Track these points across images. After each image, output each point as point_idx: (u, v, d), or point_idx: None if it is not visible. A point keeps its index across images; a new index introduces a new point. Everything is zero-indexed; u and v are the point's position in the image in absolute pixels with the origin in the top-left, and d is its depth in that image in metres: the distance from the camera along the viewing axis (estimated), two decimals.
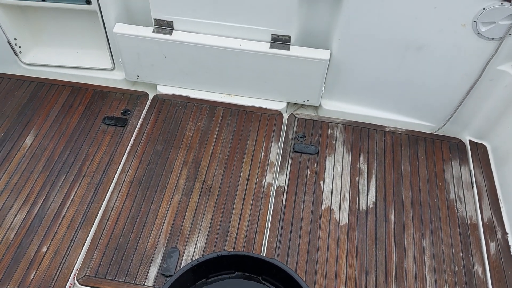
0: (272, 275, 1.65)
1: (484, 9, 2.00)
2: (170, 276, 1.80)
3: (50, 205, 2.15)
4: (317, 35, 2.43)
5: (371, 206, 2.21)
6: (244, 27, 2.37)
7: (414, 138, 2.51)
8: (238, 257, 1.60)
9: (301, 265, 2.00)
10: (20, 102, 2.60)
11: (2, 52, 2.68)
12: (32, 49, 2.81)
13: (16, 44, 2.68)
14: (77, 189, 2.21)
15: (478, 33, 2.09)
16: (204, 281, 1.68)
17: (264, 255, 2.03)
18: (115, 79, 2.73)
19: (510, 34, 2.06)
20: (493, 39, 2.09)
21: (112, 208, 2.15)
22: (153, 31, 2.43)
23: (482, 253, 2.08)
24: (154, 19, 2.42)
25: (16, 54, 2.70)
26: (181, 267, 1.89)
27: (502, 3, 1.97)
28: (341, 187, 2.28)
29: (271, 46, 2.39)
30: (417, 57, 2.27)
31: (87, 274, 1.93)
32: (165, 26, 2.44)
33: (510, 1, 1.96)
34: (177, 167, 2.32)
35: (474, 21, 2.05)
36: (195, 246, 2.03)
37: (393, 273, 1.99)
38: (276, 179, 2.30)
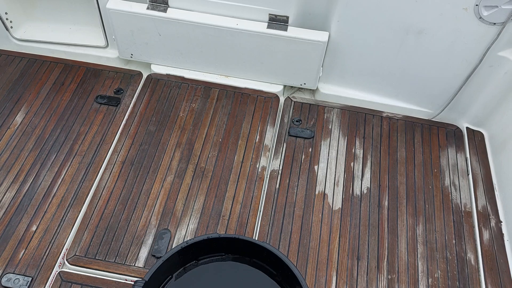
0: (263, 259, 1.63)
1: None
2: (161, 257, 1.78)
3: (40, 183, 2.12)
4: (316, 16, 2.37)
5: (365, 191, 2.19)
6: (241, 5, 2.31)
7: (411, 124, 2.48)
8: (229, 239, 1.59)
9: (293, 249, 1.99)
10: (11, 78, 2.54)
11: None
12: (23, 24, 2.73)
13: (7, 19, 2.61)
14: (68, 168, 2.18)
15: (480, 18, 2.04)
16: (194, 263, 1.66)
17: (256, 239, 2.01)
18: (108, 57, 2.67)
19: None
20: (495, 24, 2.05)
21: (103, 188, 2.12)
22: (148, 8, 2.37)
23: (475, 240, 2.07)
24: None
25: (7, 29, 2.63)
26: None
27: None
28: (335, 172, 2.26)
29: (269, 27, 2.33)
30: (417, 42, 2.23)
31: (76, 254, 1.91)
32: (159, 3, 2.37)
33: None
34: (170, 149, 2.28)
35: (476, 5, 2.00)
36: (187, 228, 2.02)
37: (385, 259, 1.98)
38: (271, 162, 2.28)
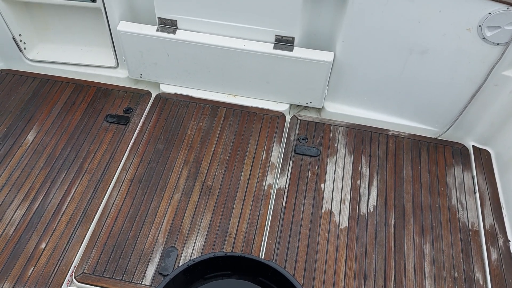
0: (269, 277, 1.63)
1: (489, 13, 1.98)
2: (168, 275, 1.79)
3: (50, 201, 2.15)
4: (321, 37, 2.42)
5: (371, 210, 2.20)
6: (248, 27, 2.36)
7: (416, 142, 2.49)
8: (235, 258, 1.60)
9: (300, 268, 1.99)
10: (23, 98, 2.61)
11: (7, 48, 2.69)
12: (36, 46, 2.81)
13: (21, 41, 2.69)
14: (77, 186, 2.21)
15: (483, 38, 2.07)
16: (200, 281, 1.67)
17: (263, 257, 2.02)
18: (118, 77, 2.73)
19: None
20: (498, 44, 2.07)
21: (112, 206, 2.15)
22: (157, 30, 2.43)
23: (483, 260, 2.05)
24: (158, 17, 2.42)
25: (20, 50, 2.71)
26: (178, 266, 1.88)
27: (508, 8, 1.95)
28: (342, 190, 2.27)
29: (275, 47, 2.38)
30: (421, 61, 2.25)
31: (84, 272, 1.93)
32: (169, 25, 2.44)
33: None
34: (178, 167, 2.31)
35: (480, 26, 2.03)
36: (194, 246, 2.03)
37: (392, 278, 1.97)
38: (277, 180, 2.29)
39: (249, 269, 1.65)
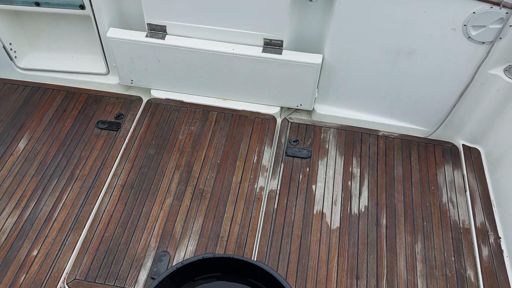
0: (258, 278, 1.64)
1: (474, 13, 2.01)
2: (156, 279, 1.79)
3: (42, 208, 2.15)
4: (309, 40, 2.44)
5: (363, 210, 2.20)
6: (236, 31, 2.38)
7: (407, 142, 2.50)
8: (224, 259, 1.60)
9: (292, 269, 1.99)
10: (14, 106, 2.61)
11: None
12: (27, 54, 2.82)
13: (11, 49, 2.70)
14: (68, 193, 2.21)
15: (469, 37, 2.09)
16: (189, 283, 1.67)
17: (255, 259, 2.02)
18: (109, 83, 2.74)
19: (500, 38, 2.07)
20: (483, 43, 2.10)
21: (104, 212, 2.15)
22: (147, 36, 2.44)
23: (474, 257, 2.06)
24: (147, 23, 2.43)
25: (11, 59, 2.72)
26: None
27: (491, 7, 1.97)
28: (333, 191, 2.27)
29: (264, 51, 2.40)
30: (409, 62, 2.28)
31: (77, 278, 1.92)
32: (158, 31, 2.45)
33: (499, 5, 1.96)
34: (169, 171, 2.32)
35: (465, 25, 2.06)
36: (186, 250, 2.03)
37: (384, 278, 1.98)
38: (268, 183, 2.30)
39: (239, 270, 1.65)
